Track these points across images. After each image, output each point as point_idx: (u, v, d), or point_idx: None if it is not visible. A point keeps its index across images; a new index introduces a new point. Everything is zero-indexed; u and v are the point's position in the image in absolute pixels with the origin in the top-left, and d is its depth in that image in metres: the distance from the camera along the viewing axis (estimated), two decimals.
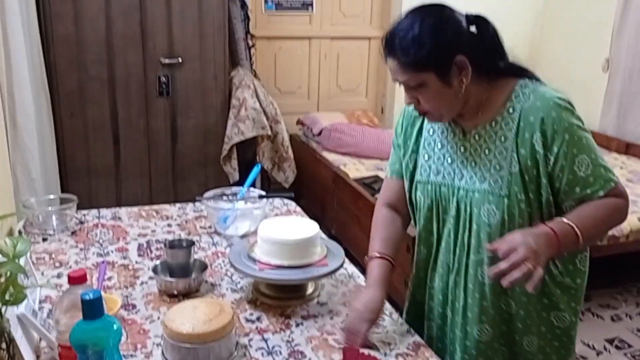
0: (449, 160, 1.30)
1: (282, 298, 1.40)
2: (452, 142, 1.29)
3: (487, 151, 1.24)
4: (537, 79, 1.25)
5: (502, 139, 1.22)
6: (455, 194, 1.28)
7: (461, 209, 1.28)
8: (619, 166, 3.71)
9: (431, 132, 1.34)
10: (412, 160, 1.36)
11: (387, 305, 1.41)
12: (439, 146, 1.32)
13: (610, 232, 2.81)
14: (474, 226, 1.25)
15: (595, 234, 1.23)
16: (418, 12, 1.19)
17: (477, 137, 1.25)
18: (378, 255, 1.34)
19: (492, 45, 1.22)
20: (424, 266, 1.40)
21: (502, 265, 1.08)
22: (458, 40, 1.17)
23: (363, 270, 1.47)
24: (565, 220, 1.16)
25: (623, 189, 1.21)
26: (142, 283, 1.48)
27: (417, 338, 1.28)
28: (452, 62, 1.16)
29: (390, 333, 1.29)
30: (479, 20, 1.21)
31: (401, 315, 1.43)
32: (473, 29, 1.19)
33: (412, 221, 1.44)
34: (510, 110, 1.21)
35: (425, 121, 1.34)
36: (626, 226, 2.87)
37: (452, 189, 1.29)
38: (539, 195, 1.20)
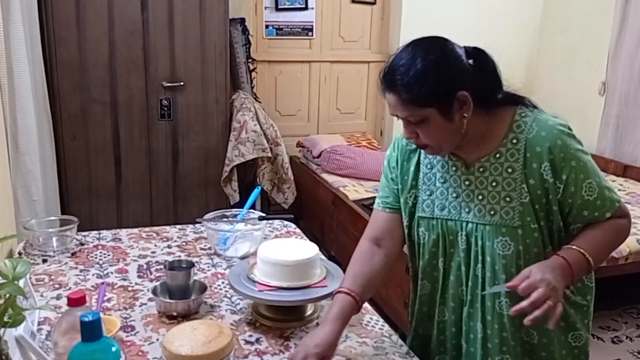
0: (454, 195, 1.28)
1: (281, 320, 1.40)
2: (455, 176, 1.28)
3: (494, 184, 1.23)
4: (535, 106, 1.26)
5: (509, 170, 1.22)
6: (465, 228, 1.27)
7: (472, 243, 1.26)
8: (617, 188, 3.73)
9: (430, 167, 1.32)
10: (412, 196, 1.34)
11: (386, 327, 1.41)
12: (442, 180, 1.30)
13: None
14: (488, 258, 1.24)
15: (603, 257, 1.25)
16: (419, 46, 1.18)
17: (481, 170, 1.25)
18: (343, 291, 1.29)
19: (491, 77, 1.23)
20: (429, 301, 1.37)
21: (524, 304, 1.08)
22: (460, 76, 1.17)
23: None
24: (575, 247, 1.18)
25: (625, 207, 1.25)
26: (141, 304, 1.48)
27: None
28: (454, 98, 1.16)
29: (390, 355, 1.29)
30: (478, 53, 1.21)
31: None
32: (472, 62, 1.19)
33: (410, 256, 1.41)
34: (514, 141, 1.21)
35: (422, 156, 1.33)
36: (625, 248, 2.87)
37: (460, 223, 1.27)
38: (550, 222, 1.22)
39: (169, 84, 3.31)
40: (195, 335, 1.16)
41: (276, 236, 1.98)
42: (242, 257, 1.75)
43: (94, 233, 1.96)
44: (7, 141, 2.18)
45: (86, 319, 0.92)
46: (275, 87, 4.39)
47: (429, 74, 1.14)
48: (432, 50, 1.16)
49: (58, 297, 1.50)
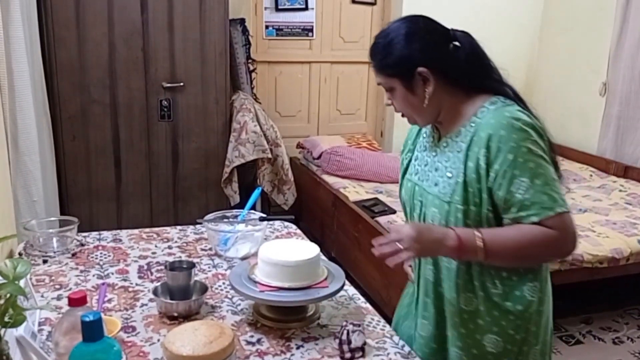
0: (425, 163, 1.38)
1: (282, 320, 1.40)
2: (430, 145, 1.38)
3: (447, 159, 1.31)
4: (517, 100, 1.27)
5: (458, 149, 1.28)
6: (421, 195, 1.36)
7: (421, 210, 1.36)
8: (618, 189, 3.73)
9: (425, 136, 1.42)
10: (408, 158, 1.47)
11: (388, 328, 1.41)
12: (424, 148, 1.41)
13: (610, 255, 2.82)
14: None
15: (507, 256, 1.23)
16: (400, 20, 1.29)
17: (444, 145, 1.32)
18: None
19: (472, 61, 1.27)
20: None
21: (386, 249, 1.21)
22: (424, 52, 1.24)
23: (364, 293, 1.47)
24: (476, 232, 1.21)
25: (567, 224, 1.19)
26: (142, 305, 1.47)
27: None
28: (415, 73, 1.24)
29: (391, 355, 1.29)
30: (463, 37, 1.27)
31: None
32: (456, 43, 1.26)
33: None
34: (472, 124, 1.26)
35: None
36: (626, 248, 2.87)
37: (420, 188, 1.37)
38: (479, 208, 1.24)
39: (169, 85, 3.30)
40: (197, 335, 1.15)
41: (277, 237, 1.98)
42: (243, 258, 1.75)
43: (94, 234, 1.95)
44: (7, 142, 2.18)
45: (87, 319, 0.92)
46: (275, 87, 4.39)
47: (395, 46, 1.25)
48: (408, 24, 1.27)
49: (59, 298, 1.50)
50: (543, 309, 1.32)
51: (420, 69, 1.24)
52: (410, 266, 1.49)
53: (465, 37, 1.28)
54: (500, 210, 1.23)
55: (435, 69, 1.24)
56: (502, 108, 1.23)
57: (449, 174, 1.28)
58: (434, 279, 1.37)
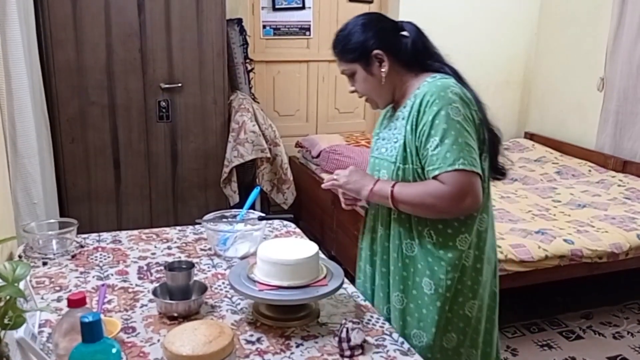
0: (383, 138, 1.58)
1: (282, 319, 1.40)
2: (387, 120, 1.60)
3: (395, 128, 1.52)
4: (456, 77, 1.47)
5: (402, 118, 1.48)
6: (378, 164, 1.57)
7: (379, 176, 1.54)
8: (617, 184, 3.73)
9: (386, 117, 1.63)
10: (376, 136, 1.65)
11: (387, 325, 1.41)
12: (385, 125, 1.61)
13: (609, 250, 2.82)
14: None
15: (410, 204, 1.44)
16: (357, 16, 1.52)
17: (396, 118, 1.53)
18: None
19: (417, 46, 1.49)
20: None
21: (327, 184, 1.61)
22: (378, 38, 1.46)
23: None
24: (390, 185, 1.45)
25: (462, 180, 1.36)
26: (142, 306, 1.48)
27: (417, 357, 1.28)
28: (372, 56, 1.46)
29: (390, 352, 1.29)
30: (410, 27, 1.51)
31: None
32: (405, 33, 1.49)
33: None
34: (415, 96, 1.45)
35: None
36: (625, 243, 2.88)
37: (377, 160, 1.58)
38: (413, 165, 1.45)
39: (167, 86, 3.31)
40: (196, 335, 1.15)
41: (276, 236, 1.98)
42: (242, 257, 1.75)
43: (93, 235, 1.96)
44: (6, 144, 2.19)
45: (86, 320, 0.92)
46: (274, 87, 4.39)
47: (354, 35, 1.48)
48: (364, 18, 1.51)
49: (59, 300, 1.50)
50: (480, 267, 1.50)
51: (375, 51, 1.46)
52: (363, 207, 1.71)
53: (411, 26, 1.51)
54: (423, 164, 1.42)
55: (388, 51, 1.47)
56: (438, 80, 1.44)
57: (395, 139, 1.50)
58: (383, 231, 1.57)
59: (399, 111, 1.52)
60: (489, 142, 1.47)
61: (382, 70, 1.48)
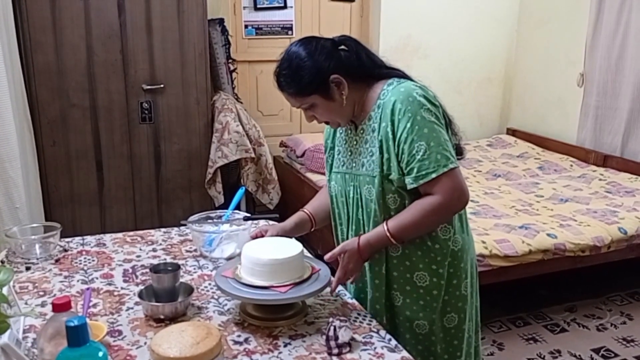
0: (349, 153, 1.55)
1: (269, 319, 1.40)
2: (350, 137, 1.55)
3: (366, 142, 1.48)
4: (408, 78, 1.48)
5: (372, 131, 1.46)
6: (353, 179, 1.53)
7: (356, 191, 1.52)
8: (598, 178, 3.79)
9: (341, 132, 1.59)
10: (331, 156, 1.62)
11: (374, 323, 1.42)
12: (344, 142, 1.57)
13: (591, 243, 2.86)
14: (363, 204, 1.51)
15: (413, 232, 1.43)
16: (291, 50, 1.45)
17: (361, 131, 1.50)
18: (302, 210, 1.67)
19: (360, 57, 1.45)
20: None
21: (335, 286, 1.49)
22: (329, 63, 1.41)
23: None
24: (380, 227, 1.43)
25: (448, 185, 1.37)
26: (128, 309, 1.47)
27: (404, 354, 1.29)
28: (329, 82, 1.41)
29: (378, 349, 1.30)
30: (346, 41, 1.46)
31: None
32: (342, 47, 1.44)
33: (331, 208, 1.66)
34: (379, 106, 1.44)
35: None
36: (607, 236, 2.92)
37: (351, 175, 1.53)
38: (396, 174, 1.42)
39: (149, 87, 3.29)
40: (183, 337, 1.15)
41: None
42: (228, 258, 1.75)
43: (77, 239, 1.94)
44: None
45: (72, 324, 0.91)
46: (257, 87, 4.38)
47: (302, 71, 1.41)
48: (303, 46, 1.43)
49: (43, 305, 1.49)
50: (462, 248, 1.51)
51: (332, 76, 1.41)
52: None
53: (348, 39, 1.47)
54: (405, 172, 1.40)
55: (341, 72, 1.42)
56: (398, 86, 1.42)
57: (370, 154, 1.46)
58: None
59: (363, 124, 1.49)
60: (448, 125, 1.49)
61: (343, 92, 1.43)
